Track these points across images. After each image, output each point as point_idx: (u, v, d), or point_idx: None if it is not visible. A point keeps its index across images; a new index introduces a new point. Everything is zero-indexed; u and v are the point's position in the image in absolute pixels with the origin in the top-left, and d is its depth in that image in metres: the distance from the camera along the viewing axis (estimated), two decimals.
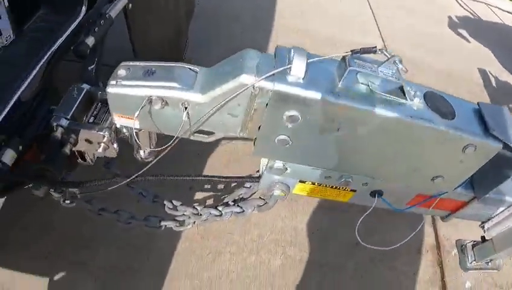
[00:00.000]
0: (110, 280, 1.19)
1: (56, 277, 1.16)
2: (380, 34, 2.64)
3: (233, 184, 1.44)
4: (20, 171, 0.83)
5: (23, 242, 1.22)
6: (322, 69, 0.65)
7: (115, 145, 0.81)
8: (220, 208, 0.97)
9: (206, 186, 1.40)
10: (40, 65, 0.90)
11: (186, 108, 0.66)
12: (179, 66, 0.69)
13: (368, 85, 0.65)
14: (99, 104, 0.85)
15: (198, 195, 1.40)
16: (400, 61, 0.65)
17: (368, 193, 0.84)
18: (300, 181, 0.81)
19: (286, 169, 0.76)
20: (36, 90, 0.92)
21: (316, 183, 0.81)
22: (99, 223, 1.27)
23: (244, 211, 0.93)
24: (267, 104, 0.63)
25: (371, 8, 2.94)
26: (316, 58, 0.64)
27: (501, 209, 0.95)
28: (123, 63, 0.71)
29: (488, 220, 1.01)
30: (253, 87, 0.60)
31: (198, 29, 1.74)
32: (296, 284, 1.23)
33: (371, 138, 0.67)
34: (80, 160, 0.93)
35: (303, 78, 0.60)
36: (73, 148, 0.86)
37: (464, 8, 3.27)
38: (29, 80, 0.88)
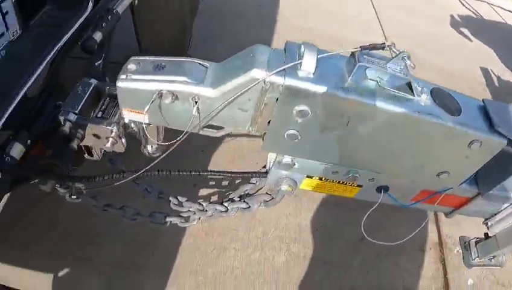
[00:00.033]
0: (115, 276, 1.20)
1: (61, 273, 1.17)
2: (383, 32, 2.67)
3: (237, 181, 1.46)
4: (28, 166, 0.84)
5: (28, 238, 1.23)
6: (332, 64, 0.66)
7: (123, 140, 0.82)
8: (225, 204, 0.98)
9: (210, 183, 1.42)
10: (46, 61, 0.91)
11: (196, 102, 0.67)
12: (189, 61, 0.70)
13: (377, 81, 0.66)
14: (108, 99, 0.86)
15: (203, 191, 1.41)
16: (408, 58, 0.67)
17: (374, 188, 0.85)
18: (308, 176, 0.82)
19: (294, 164, 0.78)
20: (42, 86, 0.93)
21: (323, 179, 0.83)
22: (104, 219, 1.28)
23: (250, 206, 0.94)
24: (277, 99, 0.64)
25: (374, 7, 2.96)
26: (326, 54, 0.65)
27: (505, 205, 0.97)
28: (133, 58, 0.72)
29: (492, 216, 1.03)
30: (264, 82, 0.61)
31: (202, 26, 1.75)
32: (300, 280, 1.25)
33: (379, 133, 0.69)
34: (86, 155, 0.94)
35: (313, 73, 0.62)
36: (81, 143, 0.87)
37: (466, 8, 3.30)
38: (35, 75, 0.88)
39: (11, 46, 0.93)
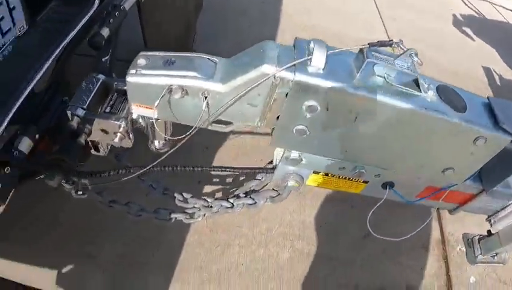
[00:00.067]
0: (119, 272, 1.22)
1: (65, 269, 1.18)
2: (386, 30, 2.69)
3: (241, 178, 1.48)
4: (36, 161, 0.85)
5: (32, 234, 1.24)
6: (340, 61, 0.68)
7: (131, 136, 0.84)
8: (231, 200, 0.99)
9: (215, 180, 1.43)
10: (53, 56, 0.91)
11: (206, 97, 0.68)
12: (199, 56, 0.71)
13: (384, 77, 0.68)
14: (115, 94, 0.87)
15: (207, 188, 1.42)
16: (416, 54, 0.68)
17: (379, 184, 0.87)
18: (314, 172, 0.83)
19: (301, 160, 0.79)
20: (49, 82, 0.94)
21: (329, 174, 0.84)
22: (109, 216, 1.30)
23: (256, 202, 0.95)
24: (287, 94, 0.65)
25: (376, 5, 2.98)
26: (334, 50, 0.67)
27: (508, 202, 0.99)
28: (142, 53, 0.73)
29: (495, 213, 1.05)
30: (274, 77, 0.63)
31: (205, 23, 1.77)
32: (304, 277, 1.27)
33: (386, 129, 0.70)
34: (93, 151, 0.95)
35: (323, 69, 0.63)
36: (88, 139, 0.88)
37: (469, 7, 3.33)
38: (42, 71, 0.89)
39: (18, 42, 0.94)
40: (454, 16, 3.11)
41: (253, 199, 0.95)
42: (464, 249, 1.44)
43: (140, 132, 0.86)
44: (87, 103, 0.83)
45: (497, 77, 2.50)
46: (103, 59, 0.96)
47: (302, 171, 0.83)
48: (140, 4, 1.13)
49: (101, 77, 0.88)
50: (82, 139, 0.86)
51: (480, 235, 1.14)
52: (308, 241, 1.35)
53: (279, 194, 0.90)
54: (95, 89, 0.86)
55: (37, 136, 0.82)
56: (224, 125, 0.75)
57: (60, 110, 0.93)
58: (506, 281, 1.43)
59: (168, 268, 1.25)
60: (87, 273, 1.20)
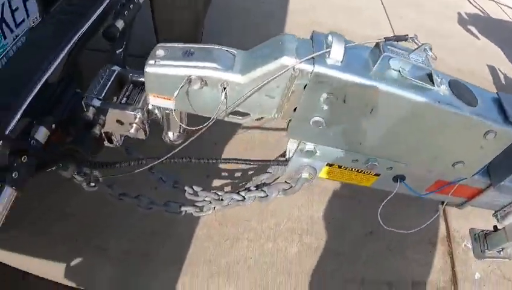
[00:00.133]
0: (128, 265, 1.24)
1: (75, 261, 1.20)
2: (392, 28, 2.73)
3: (251, 172, 1.50)
4: (51, 151, 0.87)
5: (41, 226, 1.27)
6: (356, 54, 0.70)
7: (147, 127, 0.86)
8: (242, 193, 1.02)
9: (223, 174, 1.46)
10: (66, 48, 0.93)
11: (224, 88, 0.71)
12: (217, 48, 0.74)
13: (399, 71, 0.71)
14: (131, 85, 0.89)
15: (216, 182, 1.45)
16: (430, 49, 0.71)
17: (390, 177, 0.90)
18: (328, 164, 0.86)
19: (316, 152, 0.82)
20: (62, 74, 0.96)
21: (342, 167, 0.87)
22: (117, 210, 1.32)
23: (268, 195, 0.98)
24: (305, 86, 0.68)
25: (382, 3, 3.01)
26: (351, 44, 0.69)
27: None
28: (160, 44, 0.76)
29: (502, 209, 1.08)
30: (294, 69, 0.65)
31: (209, 21, 1.79)
32: (312, 271, 1.30)
33: (401, 122, 0.73)
34: (106, 142, 0.98)
35: (341, 62, 0.66)
36: (103, 130, 0.90)
37: (474, 6, 3.37)
38: (56, 62, 0.91)
39: (32, 33, 0.96)
40: (459, 14, 3.16)
41: (265, 192, 0.98)
42: (469, 245, 1.49)
43: (156, 123, 0.88)
44: (104, 93, 0.86)
45: (502, 76, 2.55)
46: (117, 51, 0.98)
47: (315, 164, 0.86)
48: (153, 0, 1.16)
49: (117, 68, 0.91)
50: (97, 130, 0.88)
51: (487, 231, 1.18)
52: (316, 236, 1.38)
53: (291, 186, 0.93)
54: (111, 80, 0.88)
55: (53, 126, 0.84)
56: (240, 117, 0.78)
57: (73, 102, 0.95)
58: (510, 278, 1.48)
59: (177, 261, 1.27)
60: (97, 266, 1.22)
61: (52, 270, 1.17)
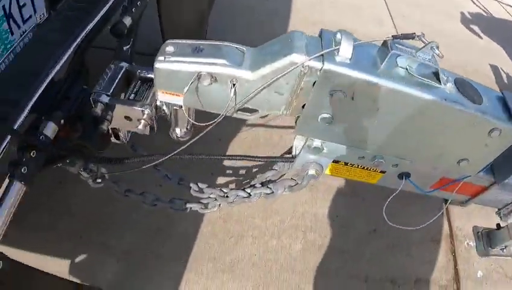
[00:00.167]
0: (133, 261, 1.26)
1: (79, 258, 1.22)
2: (394, 25, 2.75)
3: (255, 169, 1.52)
4: (59, 147, 0.88)
5: (46, 223, 1.28)
6: (365, 52, 0.72)
7: (155, 123, 0.87)
8: (248, 190, 1.03)
9: (228, 171, 1.48)
10: (73, 44, 0.94)
11: (234, 85, 0.72)
12: (226, 45, 0.75)
13: (407, 68, 0.73)
14: (139, 82, 0.91)
15: (221, 180, 1.47)
16: (437, 47, 0.73)
17: (396, 174, 0.92)
18: (334, 161, 0.88)
19: (323, 149, 0.84)
20: (68, 70, 0.97)
21: (348, 164, 0.89)
22: (121, 208, 1.34)
23: (273, 192, 0.99)
24: (314, 83, 0.69)
25: (385, 1, 3.03)
26: (359, 42, 0.71)
27: None
28: (169, 41, 0.77)
29: (505, 206, 1.10)
30: (303, 66, 0.67)
31: (213, 19, 1.80)
32: (316, 268, 1.32)
33: (408, 119, 0.75)
34: (113, 138, 0.99)
35: (350, 59, 0.68)
36: (110, 126, 0.91)
37: (476, 5, 3.39)
38: (63, 58, 0.92)
39: (39, 29, 0.97)
40: (462, 14, 3.18)
41: (271, 189, 0.99)
42: (471, 243, 1.51)
43: (163, 120, 0.90)
44: (112, 89, 0.87)
45: (504, 75, 2.58)
46: (124, 48, 0.99)
47: (322, 160, 0.87)
48: None
49: (124, 64, 0.92)
50: (104, 126, 0.90)
51: (490, 229, 1.20)
52: (320, 234, 1.40)
53: (297, 183, 0.95)
54: (119, 77, 0.89)
55: (62, 121, 0.85)
56: (249, 113, 0.79)
57: (81, 98, 0.96)
58: None
59: (181, 258, 1.29)
60: (102, 262, 1.24)
61: (57, 266, 1.18)
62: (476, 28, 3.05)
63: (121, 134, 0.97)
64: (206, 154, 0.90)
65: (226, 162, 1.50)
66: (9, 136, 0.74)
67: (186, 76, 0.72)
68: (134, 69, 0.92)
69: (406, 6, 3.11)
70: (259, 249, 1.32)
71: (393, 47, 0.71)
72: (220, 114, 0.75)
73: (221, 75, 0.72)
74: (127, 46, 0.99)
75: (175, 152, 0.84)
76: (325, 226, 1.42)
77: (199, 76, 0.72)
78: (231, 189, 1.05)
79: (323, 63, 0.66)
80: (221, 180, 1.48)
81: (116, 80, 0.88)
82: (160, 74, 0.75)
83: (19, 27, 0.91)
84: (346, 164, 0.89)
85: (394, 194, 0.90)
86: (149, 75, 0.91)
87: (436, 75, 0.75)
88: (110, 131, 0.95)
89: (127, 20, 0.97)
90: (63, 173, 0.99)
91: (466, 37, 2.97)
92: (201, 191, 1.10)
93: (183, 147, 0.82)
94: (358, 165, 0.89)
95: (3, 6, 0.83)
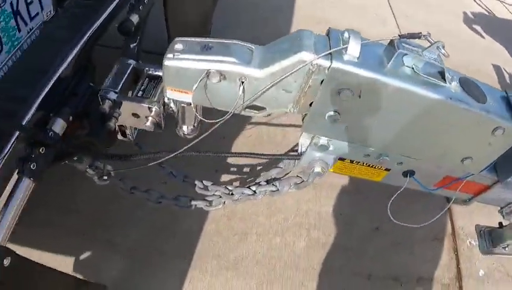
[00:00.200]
0: (137, 258, 1.28)
1: (84, 255, 1.23)
2: (397, 25, 2.78)
3: (259, 167, 1.54)
4: (68, 143, 0.90)
5: (51, 220, 1.29)
6: (372, 51, 0.74)
7: (163, 120, 0.89)
8: (253, 188, 1.05)
9: (232, 169, 1.50)
10: (80, 42, 0.96)
11: (242, 83, 0.74)
12: (235, 43, 0.77)
13: (413, 67, 0.74)
14: (146, 79, 0.92)
15: (225, 177, 1.49)
16: (443, 47, 0.75)
17: (400, 172, 0.94)
18: (340, 159, 0.90)
19: (329, 146, 0.85)
20: (75, 67, 0.99)
21: (354, 162, 0.91)
22: (126, 205, 1.35)
23: (279, 189, 1.01)
24: (321, 81, 0.71)
25: (388, 2, 3.06)
26: (367, 41, 0.73)
27: None
28: (178, 38, 0.79)
29: (507, 205, 1.13)
30: (312, 64, 0.69)
31: (218, 15, 1.82)
32: (320, 266, 1.34)
33: (413, 118, 0.77)
34: (120, 136, 1.01)
35: (357, 58, 0.69)
36: (118, 123, 0.93)
37: (479, 5, 3.42)
38: (70, 56, 0.94)
39: (46, 26, 0.98)
40: (465, 13, 3.21)
41: (276, 186, 1.01)
42: (473, 242, 1.54)
43: (170, 117, 0.91)
44: (120, 86, 0.89)
45: (506, 75, 2.60)
46: (131, 46, 1.01)
47: (328, 158, 0.89)
48: None
49: (132, 62, 0.94)
50: (112, 123, 0.91)
51: (493, 227, 1.22)
52: (324, 231, 1.43)
53: (303, 180, 0.96)
54: (127, 74, 0.91)
55: (70, 118, 0.87)
56: (257, 111, 0.81)
57: (87, 95, 0.97)
58: None
59: (186, 255, 1.31)
60: (106, 259, 1.26)
61: (61, 262, 1.20)
62: (478, 27, 3.08)
63: (127, 131, 0.99)
64: (213, 151, 0.91)
65: (230, 160, 1.52)
66: (17, 132, 0.75)
67: (195, 73, 0.74)
68: (141, 66, 0.94)
69: (409, 6, 3.13)
70: (263, 246, 1.35)
71: (400, 46, 0.72)
72: (227, 111, 0.77)
73: (230, 73, 0.73)
74: (134, 44, 1.01)
75: (182, 149, 0.86)
76: (328, 224, 1.45)
77: (208, 74, 0.73)
78: (236, 186, 1.07)
79: (331, 62, 0.68)
80: (225, 177, 1.49)
81: (124, 77, 0.90)
82: (169, 71, 0.77)
83: (26, 24, 0.92)
84: (351, 161, 0.91)
85: (399, 191, 0.92)
86: (156, 73, 0.93)
87: (441, 74, 0.77)
88: (117, 128, 0.97)
89: (134, 18, 0.98)
90: (68, 170, 1.01)
91: (469, 36, 2.99)
92: (206, 188, 1.12)
93: (191, 144, 0.83)
94: (363, 163, 0.91)
95: (11, 3, 0.85)
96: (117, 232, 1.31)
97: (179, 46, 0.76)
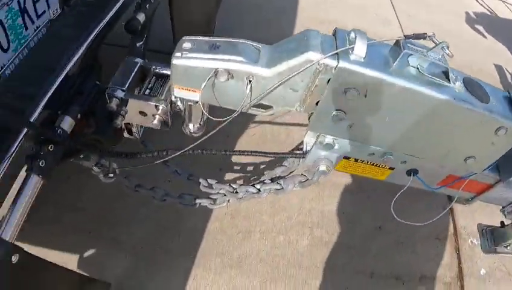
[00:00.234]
0: (142, 257, 1.29)
1: (88, 253, 1.25)
2: (400, 25, 2.80)
3: (263, 166, 1.56)
4: (76, 141, 0.91)
5: (55, 217, 1.31)
6: (377, 51, 0.76)
7: (170, 118, 0.90)
8: (257, 186, 1.07)
9: (236, 167, 1.51)
10: (87, 40, 0.97)
11: (250, 81, 0.75)
12: (242, 42, 0.79)
13: (418, 68, 0.76)
14: (153, 78, 0.94)
15: (229, 176, 1.51)
16: (448, 47, 0.77)
17: (404, 171, 0.96)
18: (345, 157, 0.92)
19: (334, 145, 0.87)
20: (81, 66, 1.00)
21: (358, 160, 0.93)
22: (131, 202, 1.37)
23: (283, 188, 1.03)
24: (328, 81, 0.73)
25: (391, 2, 3.08)
26: (372, 41, 0.75)
27: None
28: (186, 37, 0.80)
29: (509, 204, 1.15)
30: (319, 64, 0.71)
31: (221, 17, 1.83)
32: (323, 264, 1.36)
33: (418, 117, 0.79)
34: (126, 134, 1.02)
35: (364, 58, 0.71)
36: (125, 121, 0.95)
37: (481, 5, 3.44)
38: (76, 54, 0.95)
39: (52, 25, 0.99)
40: (467, 13, 3.23)
41: (281, 184, 1.03)
42: (475, 242, 1.56)
43: (177, 115, 0.93)
44: (127, 85, 0.90)
45: (508, 75, 2.63)
46: (138, 44, 1.02)
47: (333, 156, 0.91)
48: None
49: (139, 60, 0.95)
50: (119, 121, 0.93)
51: (494, 226, 1.24)
52: (327, 230, 1.45)
53: (307, 179, 0.98)
54: (134, 72, 0.92)
55: (78, 116, 0.88)
56: (263, 110, 0.83)
57: (93, 93, 0.99)
58: None
59: (190, 253, 1.33)
60: (111, 257, 1.27)
61: (66, 259, 1.21)
62: (481, 28, 3.10)
63: (133, 129, 1.01)
64: (219, 150, 0.93)
65: (234, 158, 1.53)
66: (25, 129, 0.77)
67: (204, 72, 0.76)
68: (148, 65, 0.95)
69: (411, 7, 3.15)
70: (267, 244, 1.37)
71: (405, 46, 0.74)
72: (233, 110, 0.78)
73: (238, 72, 0.75)
74: (140, 43, 1.02)
75: (189, 147, 0.87)
76: (331, 222, 1.47)
77: (216, 72, 0.75)
78: (241, 185, 1.09)
79: (338, 61, 0.70)
80: (229, 176, 1.51)
81: (131, 76, 0.91)
82: (177, 69, 0.78)
83: (32, 22, 0.93)
84: (356, 160, 0.93)
85: (402, 190, 0.94)
86: (163, 71, 0.94)
87: (446, 74, 0.79)
88: (123, 126, 0.98)
89: (141, 17, 1.00)
90: (73, 168, 1.02)
91: (471, 37, 3.02)
92: (210, 186, 1.13)
93: (198, 142, 0.85)
94: (367, 162, 0.93)
95: (18, 2, 0.86)
96: (122, 230, 1.33)
97: (187, 45, 0.78)
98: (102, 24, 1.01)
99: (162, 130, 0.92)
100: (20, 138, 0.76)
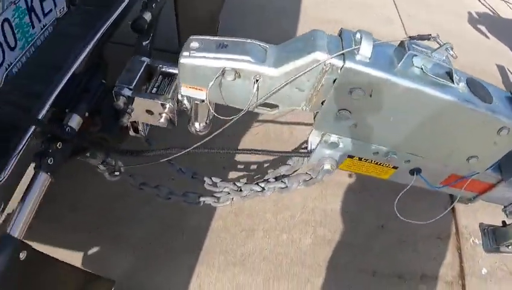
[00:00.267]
0: (145, 254, 1.31)
1: (92, 250, 1.27)
2: (403, 24, 2.82)
3: (266, 165, 1.58)
4: (83, 138, 0.93)
5: (60, 216, 1.33)
6: (382, 51, 0.77)
7: (176, 117, 0.92)
8: (261, 184, 1.08)
9: (239, 166, 1.53)
10: (94, 39, 0.99)
11: (257, 81, 0.77)
12: (249, 42, 0.80)
13: (422, 68, 0.78)
14: (160, 76, 0.96)
15: (232, 174, 1.53)
16: (451, 48, 0.78)
17: (407, 170, 0.98)
18: (349, 156, 0.94)
19: (339, 144, 0.89)
20: (88, 64, 1.01)
21: (362, 159, 0.95)
22: (135, 201, 1.39)
23: (287, 186, 1.05)
24: (334, 81, 0.75)
25: (394, 1, 3.10)
26: (378, 42, 0.76)
27: None
28: (193, 37, 0.82)
29: (510, 203, 1.17)
30: (325, 64, 0.72)
31: (224, 17, 1.85)
32: (326, 262, 1.38)
33: (422, 117, 0.81)
34: (132, 132, 1.04)
35: (369, 58, 0.73)
36: (131, 119, 0.96)
37: (484, 5, 3.47)
38: (83, 52, 0.97)
39: (59, 23, 1.01)
40: (469, 13, 3.26)
41: (285, 183, 1.05)
42: (477, 241, 1.58)
43: (184, 114, 0.94)
44: (134, 83, 0.92)
45: (510, 76, 2.65)
46: (144, 43, 1.04)
47: (337, 155, 0.93)
48: None
49: (146, 59, 0.97)
50: (125, 119, 0.95)
51: (497, 226, 1.26)
52: (330, 228, 1.47)
53: (312, 177, 1.00)
54: (141, 71, 0.94)
55: (86, 114, 0.90)
56: (269, 109, 0.85)
57: (99, 91, 1.00)
58: None
59: (193, 251, 1.35)
60: (114, 254, 1.29)
61: (69, 257, 1.23)
62: (483, 28, 3.12)
63: (139, 127, 1.02)
64: (224, 148, 0.95)
65: (238, 157, 1.55)
66: (33, 127, 0.78)
67: (211, 71, 0.77)
68: (155, 64, 0.97)
69: (414, 7, 3.17)
70: (270, 243, 1.39)
71: (410, 47, 0.76)
72: (239, 109, 0.80)
73: (245, 71, 0.77)
74: (147, 42, 1.04)
75: (195, 145, 0.89)
76: (334, 221, 1.49)
77: (223, 71, 0.77)
78: (245, 183, 1.11)
79: (344, 62, 0.72)
80: (232, 174, 1.53)
81: (138, 74, 0.93)
82: (185, 68, 0.80)
83: (39, 21, 0.95)
84: (360, 159, 0.95)
85: (405, 189, 0.96)
86: (170, 70, 0.96)
87: (449, 75, 0.81)
88: (129, 124, 1.00)
89: (147, 16, 1.01)
90: (78, 166, 1.03)
91: (473, 37, 3.04)
92: (214, 185, 1.15)
93: (204, 140, 0.87)
94: (371, 161, 0.95)
95: (25, 0, 0.87)
96: (126, 228, 1.35)
97: (194, 44, 0.79)
98: (108, 23, 1.02)
99: (165, 129, 0.94)
100: (28, 136, 0.78)
